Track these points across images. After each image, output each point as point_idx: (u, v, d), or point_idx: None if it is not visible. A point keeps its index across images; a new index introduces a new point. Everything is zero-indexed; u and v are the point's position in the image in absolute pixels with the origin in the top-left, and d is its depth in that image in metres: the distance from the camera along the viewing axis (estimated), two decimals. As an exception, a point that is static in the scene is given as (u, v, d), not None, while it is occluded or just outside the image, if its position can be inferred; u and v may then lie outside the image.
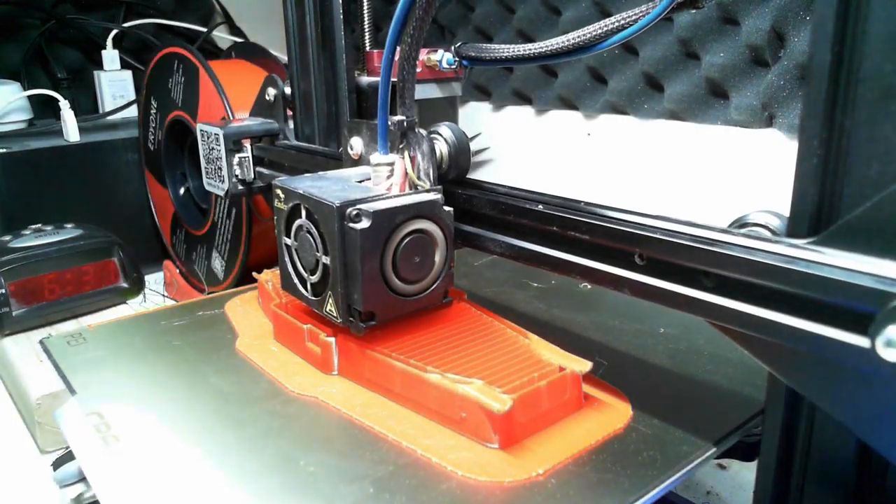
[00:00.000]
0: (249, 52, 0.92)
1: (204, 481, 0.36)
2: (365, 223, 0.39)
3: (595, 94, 0.93)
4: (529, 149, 1.06)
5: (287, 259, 0.46)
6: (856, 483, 0.32)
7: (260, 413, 0.42)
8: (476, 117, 1.13)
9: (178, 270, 0.96)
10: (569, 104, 0.98)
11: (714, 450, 0.37)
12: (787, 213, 0.31)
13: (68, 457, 0.53)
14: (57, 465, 0.54)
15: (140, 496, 0.35)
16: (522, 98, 1.04)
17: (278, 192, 0.45)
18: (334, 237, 0.40)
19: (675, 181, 0.86)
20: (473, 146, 0.49)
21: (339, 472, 0.36)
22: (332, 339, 0.45)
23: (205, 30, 1.18)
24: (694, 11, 0.76)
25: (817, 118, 0.29)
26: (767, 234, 0.32)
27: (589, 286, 0.63)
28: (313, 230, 0.43)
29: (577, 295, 0.61)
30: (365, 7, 0.67)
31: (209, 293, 0.84)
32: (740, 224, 0.34)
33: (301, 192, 0.43)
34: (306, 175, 0.48)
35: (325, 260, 0.42)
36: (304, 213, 0.43)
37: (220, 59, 0.95)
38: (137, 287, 0.86)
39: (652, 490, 0.34)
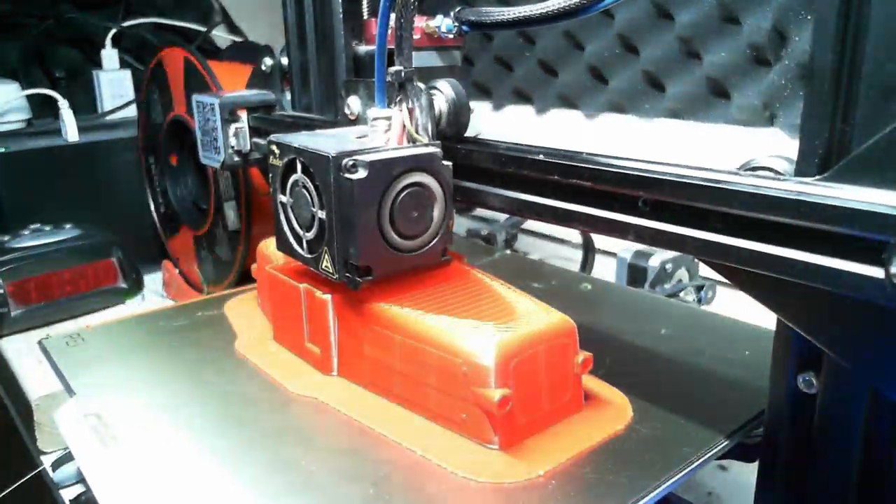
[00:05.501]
0: (246, 52, 0.92)
1: (203, 482, 0.36)
2: (361, 173, 0.39)
3: (596, 93, 0.93)
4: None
5: (282, 217, 0.45)
6: (859, 485, 0.32)
7: (260, 414, 0.42)
8: (476, 117, 1.13)
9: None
10: (569, 103, 0.97)
11: (715, 451, 0.37)
12: (794, 156, 0.31)
13: (67, 458, 0.53)
14: (56, 465, 0.54)
15: (138, 497, 0.35)
16: (522, 97, 1.04)
17: (273, 147, 0.44)
18: (330, 189, 0.39)
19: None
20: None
21: (339, 473, 0.36)
22: (329, 297, 0.44)
23: (204, 29, 1.18)
24: (695, 10, 0.76)
25: (818, 118, 0.29)
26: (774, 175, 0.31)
27: (589, 286, 0.63)
28: (309, 184, 0.42)
29: (577, 295, 0.61)
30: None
31: (208, 293, 0.84)
32: (747, 168, 0.33)
33: (296, 145, 0.42)
34: (303, 132, 0.47)
35: (321, 214, 0.41)
36: (299, 167, 0.42)
37: (218, 58, 0.95)
38: (136, 287, 0.86)
39: (653, 491, 0.34)
